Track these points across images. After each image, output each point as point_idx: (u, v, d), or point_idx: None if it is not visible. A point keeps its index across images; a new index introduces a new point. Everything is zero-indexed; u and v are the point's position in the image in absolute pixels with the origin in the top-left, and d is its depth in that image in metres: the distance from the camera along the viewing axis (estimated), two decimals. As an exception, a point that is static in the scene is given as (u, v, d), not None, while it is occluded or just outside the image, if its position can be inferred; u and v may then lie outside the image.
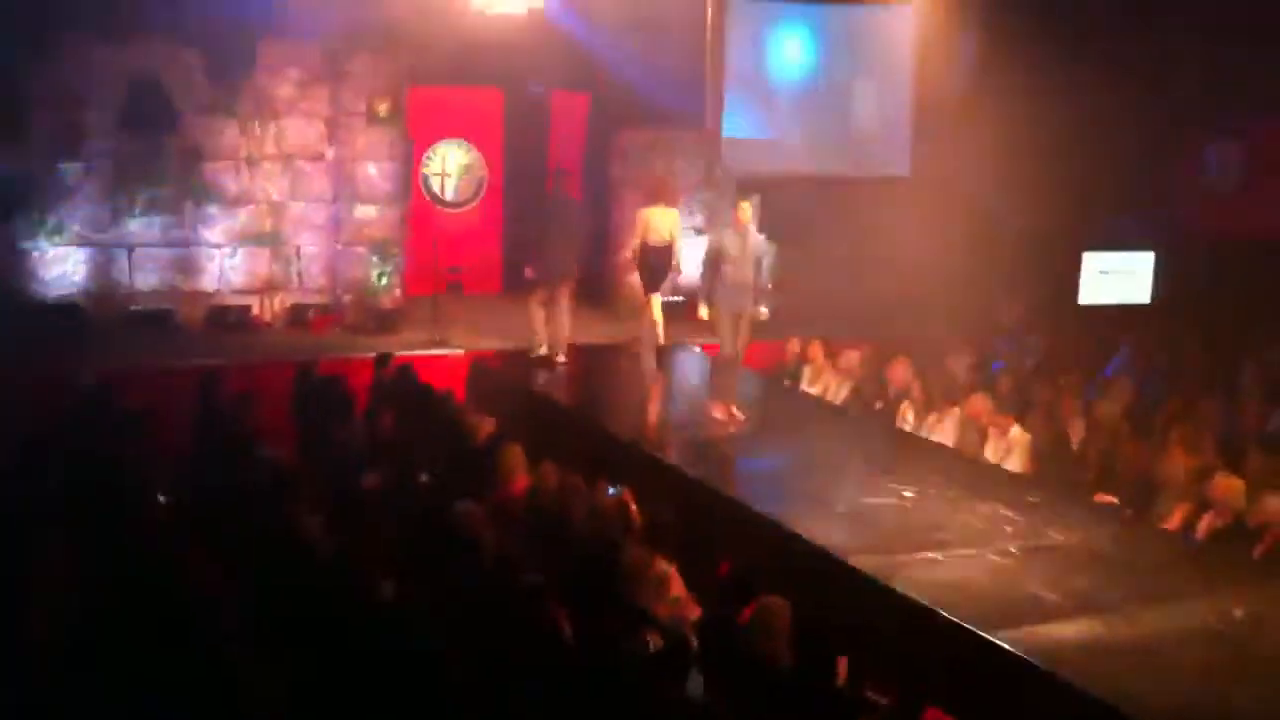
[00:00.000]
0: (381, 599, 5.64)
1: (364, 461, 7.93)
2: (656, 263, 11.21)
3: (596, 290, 13.39)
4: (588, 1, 13.21)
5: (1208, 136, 14.37)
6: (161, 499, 7.84)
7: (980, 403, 10.16)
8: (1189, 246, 13.58)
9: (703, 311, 9.79)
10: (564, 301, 11.48)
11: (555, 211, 11.62)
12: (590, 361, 11.95)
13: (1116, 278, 13.56)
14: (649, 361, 11.24)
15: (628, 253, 11.56)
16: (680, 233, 11.49)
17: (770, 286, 9.98)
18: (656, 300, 11.31)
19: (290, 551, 6.25)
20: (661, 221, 11.20)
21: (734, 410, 9.81)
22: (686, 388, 11.43)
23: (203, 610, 5.40)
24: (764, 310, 9.81)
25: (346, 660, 5.30)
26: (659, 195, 11.47)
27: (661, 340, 11.39)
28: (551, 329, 11.49)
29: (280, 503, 6.74)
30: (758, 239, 9.74)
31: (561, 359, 11.47)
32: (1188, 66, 13.65)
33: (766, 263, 9.79)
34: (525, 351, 11.51)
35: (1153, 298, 13.36)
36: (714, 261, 9.63)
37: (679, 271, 11.37)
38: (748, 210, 9.72)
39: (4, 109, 11.76)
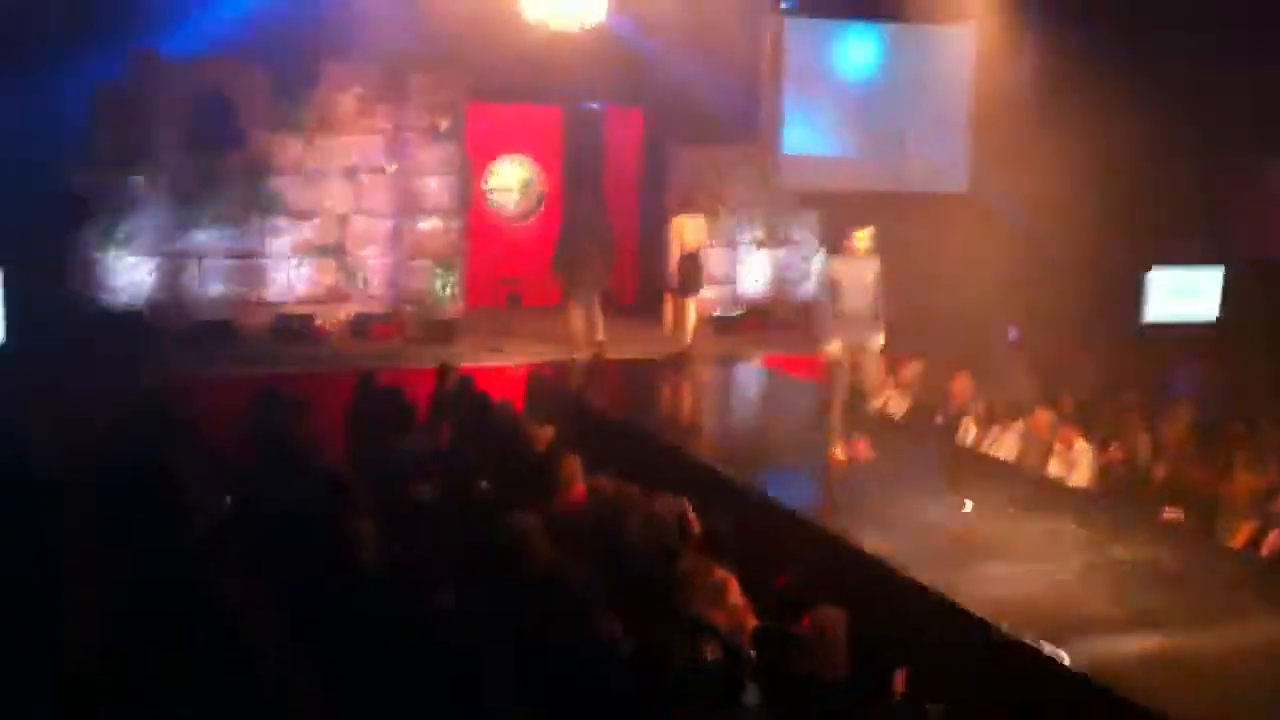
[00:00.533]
0: (438, 609, 5.66)
1: (423, 471, 7.98)
2: (690, 268, 12.13)
3: (653, 304, 13.41)
4: (646, 17, 13.29)
5: (1267, 153, 14.18)
6: (226, 500, 7.96)
7: (1044, 417, 10.07)
8: (1252, 264, 13.42)
9: (830, 347, 8.91)
10: (595, 308, 12.13)
11: (583, 225, 12.30)
12: (647, 373, 12.03)
13: (1182, 295, 13.43)
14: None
15: (672, 268, 12.19)
16: (705, 239, 12.50)
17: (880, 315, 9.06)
18: (691, 305, 12.14)
19: (346, 561, 6.29)
20: (690, 228, 12.13)
21: (862, 447, 8.96)
22: (745, 400, 11.47)
23: (250, 620, 5.44)
24: (880, 338, 9.03)
25: (397, 670, 5.33)
26: (686, 203, 12.17)
27: (689, 339, 12.17)
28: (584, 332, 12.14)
29: (337, 512, 6.79)
30: (874, 268, 8.90)
31: (600, 339, 12.10)
32: (1241, 81, 13.51)
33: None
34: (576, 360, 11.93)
35: (1219, 316, 13.21)
36: (830, 293, 8.86)
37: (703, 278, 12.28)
38: (865, 239, 8.87)
39: (74, 121, 12.01)
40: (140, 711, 5.08)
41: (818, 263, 14.78)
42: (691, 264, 12.06)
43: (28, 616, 5.52)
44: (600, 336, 12.18)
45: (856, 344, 8.91)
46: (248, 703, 4.98)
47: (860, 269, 8.86)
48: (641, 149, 15.16)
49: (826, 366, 9.09)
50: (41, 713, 4.91)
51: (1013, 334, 13.51)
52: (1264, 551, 7.95)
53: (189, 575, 5.90)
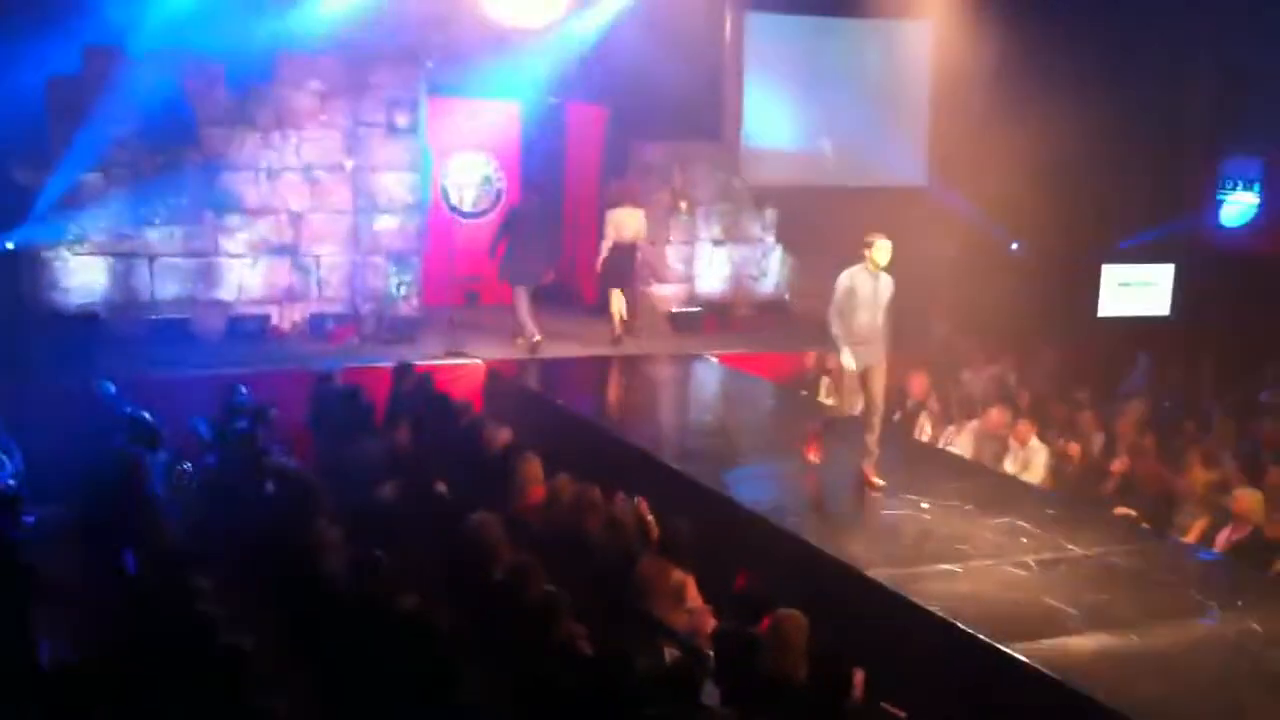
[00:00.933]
0: (400, 611, 5.65)
1: (382, 472, 7.95)
2: (622, 260, 12.34)
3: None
4: (606, 13, 13.27)
5: (1225, 150, 14.35)
6: (188, 467, 7.94)
7: (999, 415, 10.15)
8: (1207, 261, 13.56)
9: (848, 361, 8.28)
10: (529, 300, 12.28)
11: (526, 216, 12.42)
12: (606, 372, 12.03)
13: (1136, 290, 13.56)
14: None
15: (599, 261, 12.41)
16: (645, 232, 12.59)
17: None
18: (617, 295, 12.46)
19: (308, 563, 6.27)
20: (628, 221, 12.31)
21: (874, 478, 8.41)
22: (703, 399, 11.48)
23: (218, 626, 5.40)
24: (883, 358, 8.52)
25: (363, 673, 5.32)
26: (625, 196, 12.41)
27: (618, 331, 12.46)
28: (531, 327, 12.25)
29: (298, 514, 6.76)
30: (888, 281, 8.32)
31: (535, 337, 12.17)
32: (1205, 79, 13.65)
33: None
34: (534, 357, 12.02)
35: (1172, 310, 13.35)
36: (842, 307, 8.24)
37: (652, 272, 12.59)
38: (887, 251, 8.20)
39: (26, 119, 11.84)
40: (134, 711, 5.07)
41: (775, 260, 14.87)
42: (622, 256, 12.21)
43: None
44: (534, 334, 12.15)
45: (866, 363, 8.36)
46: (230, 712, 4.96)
47: (877, 284, 8.29)
48: (603, 146, 15.11)
49: (835, 379, 8.74)
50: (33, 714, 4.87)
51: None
52: (1217, 547, 8.04)
53: (165, 580, 5.88)
